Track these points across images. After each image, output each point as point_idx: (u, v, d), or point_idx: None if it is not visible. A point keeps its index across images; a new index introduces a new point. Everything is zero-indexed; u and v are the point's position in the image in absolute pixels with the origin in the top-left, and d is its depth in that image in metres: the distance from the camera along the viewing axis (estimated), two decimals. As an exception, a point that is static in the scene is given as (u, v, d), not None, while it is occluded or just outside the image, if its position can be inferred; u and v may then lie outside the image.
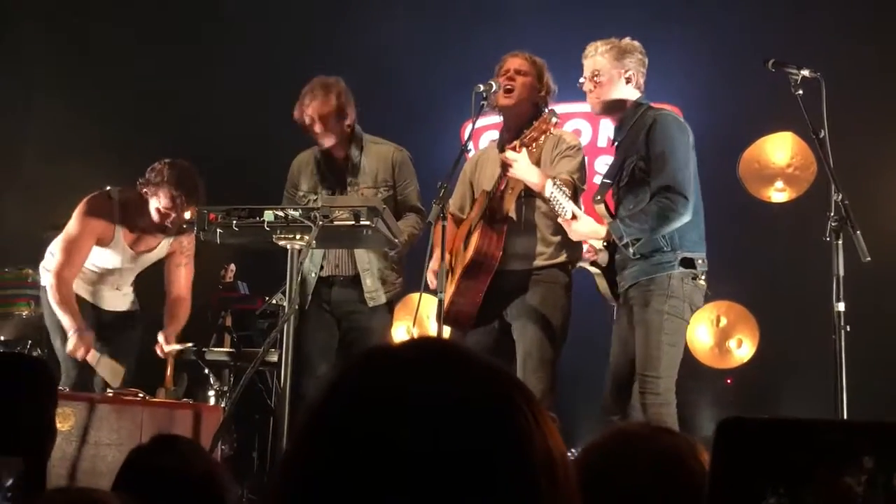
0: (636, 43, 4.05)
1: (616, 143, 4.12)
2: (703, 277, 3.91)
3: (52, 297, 4.55)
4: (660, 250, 3.85)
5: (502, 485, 0.84)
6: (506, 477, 0.84)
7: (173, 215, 4.52)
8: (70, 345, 4.46)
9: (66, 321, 4.50)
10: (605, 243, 3.95)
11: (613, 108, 4.03)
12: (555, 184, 3.78)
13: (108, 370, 4.48)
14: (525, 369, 4.05)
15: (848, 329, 3.45)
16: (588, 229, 3.85)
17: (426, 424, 0.84)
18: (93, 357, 4.48)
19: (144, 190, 4.55)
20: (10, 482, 1.75)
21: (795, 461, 0.94)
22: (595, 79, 3.99)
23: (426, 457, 0.82)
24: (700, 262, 3.90)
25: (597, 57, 3.99)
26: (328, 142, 4.50)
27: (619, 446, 1.54)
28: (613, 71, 3.97)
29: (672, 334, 3.82)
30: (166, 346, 4.63)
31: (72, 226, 4.59)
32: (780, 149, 6.69)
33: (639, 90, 4.04)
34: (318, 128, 4.44)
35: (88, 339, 4.48)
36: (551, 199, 3.79)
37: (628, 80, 3.99)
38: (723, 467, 0.98)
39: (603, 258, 4.00)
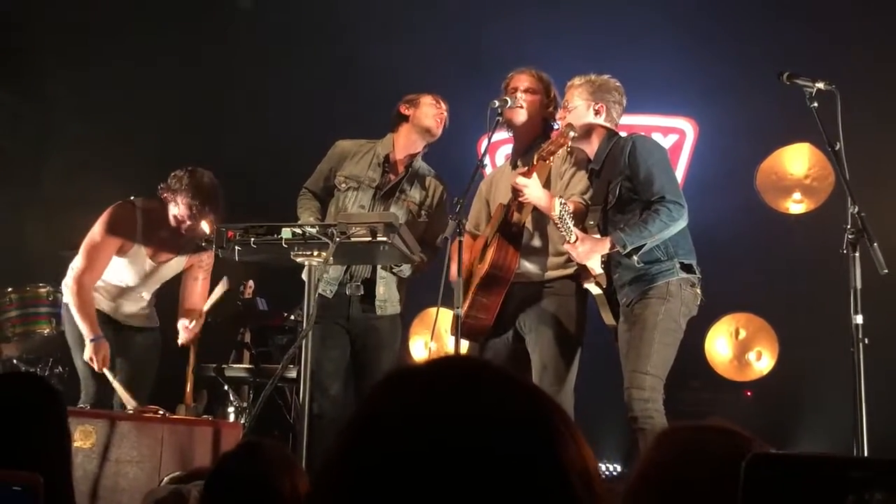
0: (614, 82, 4.15)
1: (592, 170, 4.15)
2: (699, 286, 3.95)
3: (72, 303, 4.59)
4: (657, 260, 3.89)
5: (541, 492, 0.86)
6: (545, 484, 0.87)
7: (188, 223, 4.53)
8: (86, 353, 4.50)
9: (84, 329, 4.54)
10: (602, 265, 3.93)
11: (582, 134, 4.09)
12: (562, 204, 3.79)
13: (121, 393, 4.50)
14: (542, 383, 4.04)
15: (866, 341, 3.44)
16: (591, 248, 3.85)
17: (468, 441, 0.86)
18: (109, 375, 4.51)
19: (164, 195, 4.58)
20: None
21: (822, 498, 0.94)
22: (566, 106, 4.13)
23: (468, 471, 0.85)
24: (697, 269, 3.95)
25: (572, 90, 4.13)
26: (420, 148, 4.58)
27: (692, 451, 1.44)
28: (582, 101, 4.09)
29: (665, 335, 3.84)
30: (190, 325, 4.65)
31: (95, 232, 4.62)
32: (797, 160, 6.68)
33: (610, 123, 4.12)
34: (438, 134, 4.56)
35: (105, 349, 4.52)
36: (560, 223, 3.81)
37: (597, 112, 4.09)
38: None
39: (602, 280, 3.98)
